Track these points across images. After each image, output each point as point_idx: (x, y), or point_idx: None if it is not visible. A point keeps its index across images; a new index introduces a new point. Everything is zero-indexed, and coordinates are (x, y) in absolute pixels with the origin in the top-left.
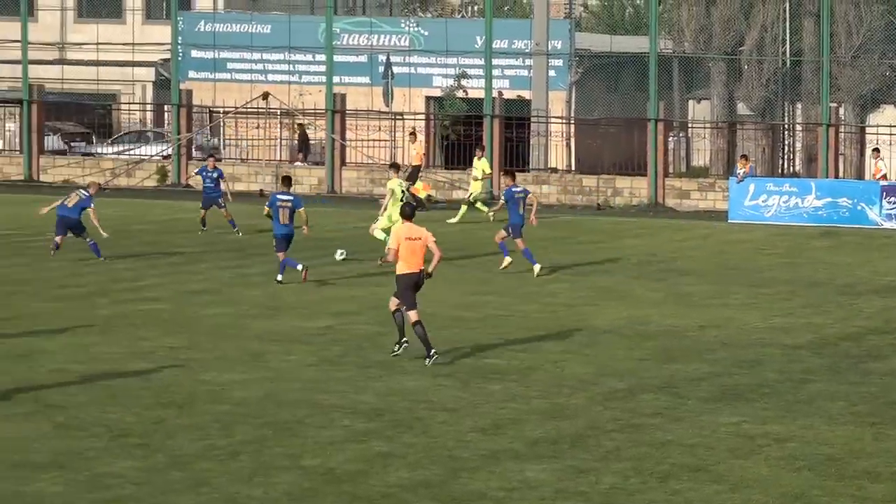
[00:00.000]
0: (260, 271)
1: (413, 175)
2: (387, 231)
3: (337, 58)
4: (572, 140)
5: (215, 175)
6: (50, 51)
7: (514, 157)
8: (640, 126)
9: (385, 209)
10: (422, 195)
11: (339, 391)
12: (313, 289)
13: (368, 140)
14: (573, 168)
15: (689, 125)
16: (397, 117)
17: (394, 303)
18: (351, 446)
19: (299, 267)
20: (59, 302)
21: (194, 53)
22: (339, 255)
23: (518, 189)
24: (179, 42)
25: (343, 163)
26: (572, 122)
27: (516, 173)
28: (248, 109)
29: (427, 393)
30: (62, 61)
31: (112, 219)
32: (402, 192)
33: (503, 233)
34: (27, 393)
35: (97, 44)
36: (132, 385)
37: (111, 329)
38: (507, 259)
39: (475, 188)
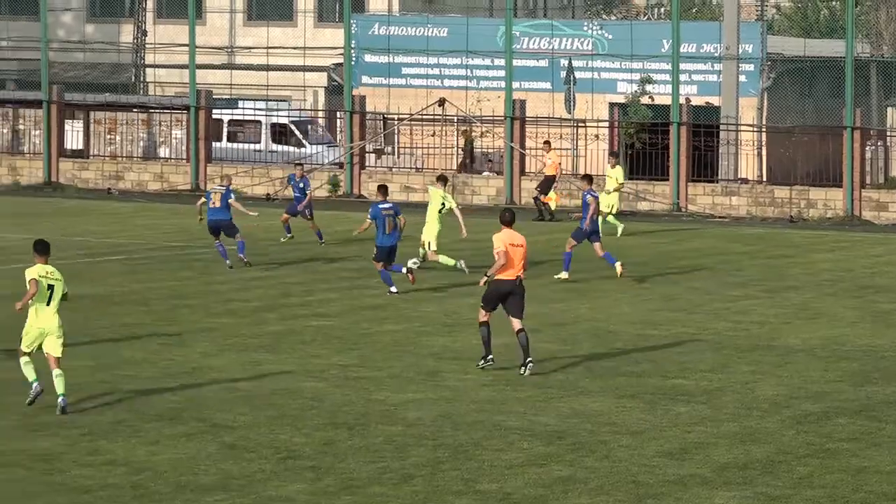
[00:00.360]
0: (434, 286)
1: (545, 185)
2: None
3: (516, 62)
4: (763, 149)
5: (302, 185)
6: (218, 55)
7: (702, 167)
8: (835, 134)
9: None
10: (553, 206)
11: (517, 412)
12: None
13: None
14: (764, 178)
15: (888, 133)
16: (579, 125)
17: (482, 314)
18: (530, 470)
19: (403, 270)
20: (227, 317)
21: (368, 58)
22: (412, 262)
23: (595, 194)
24: (352, 46)
25: (522, 172)
26: (763, 129)
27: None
28: (424, 116)
29: (610, 415)
30: (230, 66)
31: (281, 230)
32: (443, 205)
33: (573, 241)
34: (194, 412)
35: (267, 48)
36: (302, 404)
37: (280, 346)
38: (619, 264)
39: (610, 201)
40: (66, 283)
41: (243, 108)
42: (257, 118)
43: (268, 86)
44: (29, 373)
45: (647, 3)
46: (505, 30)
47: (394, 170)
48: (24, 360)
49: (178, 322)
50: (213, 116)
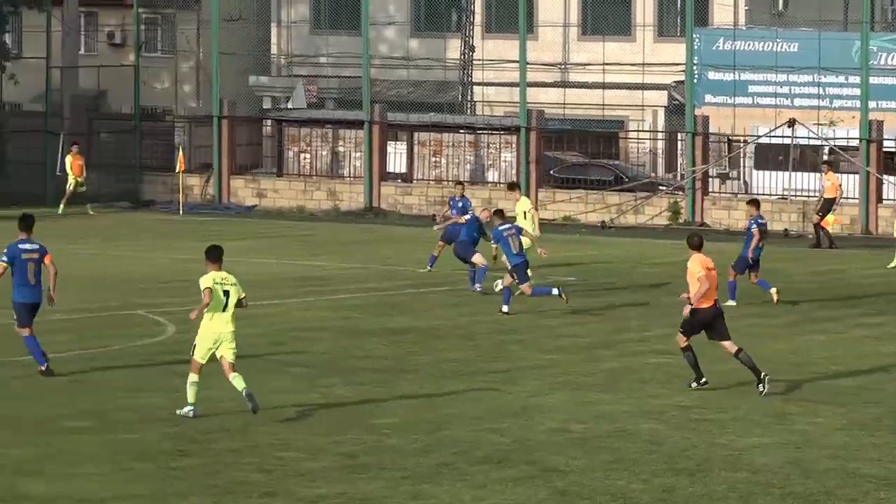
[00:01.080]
0: (785, 322)
1: (825, 209)
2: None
3: (873, 80)
4: None
5: (461, 204)
6: (550, 72)
7: None
8: None
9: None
10: (830, 229)
11: (872, 459)
12: (841, 342)
13: None
14: None
15: None
16: None
17: (682, 339)
18: None
19: (555, 291)
20: (558, 353)
21: (711, 75)
22: (497, 285)
23: (763, 221)
24: (695, 62)
25: (879, 200)
26: None
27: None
28: (772, 138)
29: None
30: (564, 83)
31: (616, 260)
32: (525, 212)
33: (752, 275)
34: (523, 454)
35: (603, 64)
36: (640, 448)
37: (616, 385)
38: (773, 290)
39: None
40: (242, 288)
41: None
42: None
43: (603, 105)
44: (191, 394)
45: None
46: (861, 45)
47: (738, 196)
48: (193, 377)
49: (506, 358)
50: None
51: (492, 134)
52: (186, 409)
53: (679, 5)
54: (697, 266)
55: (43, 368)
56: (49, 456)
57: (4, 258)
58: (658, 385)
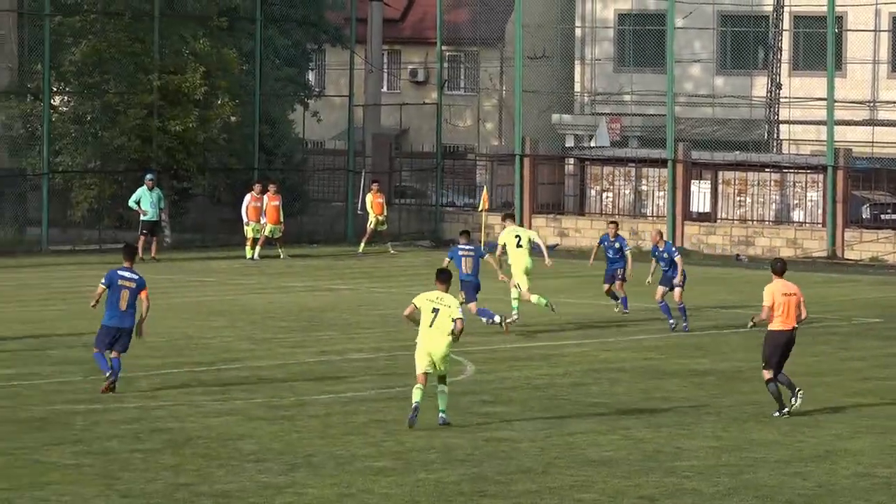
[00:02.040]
0: None
1: None
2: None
3: None
4: None
5: (617, 245)
6: (859, 110)
7: None
8: None
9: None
10: None
11: None
12: None
13: None
14: None
15: None
16: None
17: (767, 374)
18: None
19: (496, 319)
20: (864, 396)
21: None
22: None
23: None
24: None
25: None
26: None
27: None
28: None
29: None
30: (872, 122)
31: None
32: (517, 237)
33: None
34: (828, 499)
35: None
36: None
37: None
38: None
39: None
40: (457, 311)
41: None
42: None
43: None
44: (416, 396)
45: None
46: None
47: None
48: (417, 385)
49: (810, 401)
50: None
51: (798, 173)
52: (413, 406)
53: None
54: (769, 294)
55: (107, 384)
56: (347, 496)
57: (103, 281)
58: None
